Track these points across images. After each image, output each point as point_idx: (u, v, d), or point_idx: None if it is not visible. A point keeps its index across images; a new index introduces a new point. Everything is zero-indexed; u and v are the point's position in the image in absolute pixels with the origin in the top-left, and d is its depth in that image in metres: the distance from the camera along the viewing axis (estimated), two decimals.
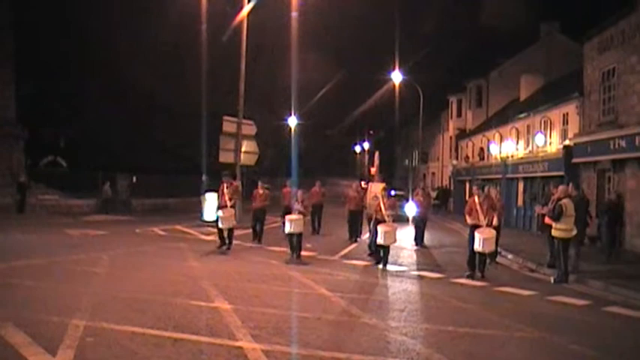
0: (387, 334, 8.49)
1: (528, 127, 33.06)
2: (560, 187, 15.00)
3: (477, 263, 14.31)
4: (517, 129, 34.64)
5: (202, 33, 29.36)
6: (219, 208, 17.89)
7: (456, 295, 11.80)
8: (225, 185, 18.00)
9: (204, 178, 29.67)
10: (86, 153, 48.74)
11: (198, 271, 13.52)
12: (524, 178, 33.39)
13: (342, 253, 18.27)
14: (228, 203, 17.58)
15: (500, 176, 34.37)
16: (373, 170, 74.39)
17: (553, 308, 11.20)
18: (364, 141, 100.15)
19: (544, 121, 30.62)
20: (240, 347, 7.39)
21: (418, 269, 15.74)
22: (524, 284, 13.55)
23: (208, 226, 24.19)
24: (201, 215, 27.31)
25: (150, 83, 47.40)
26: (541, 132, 30.28)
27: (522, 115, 34.01)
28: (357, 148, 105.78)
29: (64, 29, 45.79)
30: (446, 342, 8.22)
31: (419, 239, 21.52)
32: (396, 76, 48.16)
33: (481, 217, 14.25)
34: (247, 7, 26.06)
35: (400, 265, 16.23)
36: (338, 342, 7.95)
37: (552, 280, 14.17)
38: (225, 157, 26.09)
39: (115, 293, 10.39)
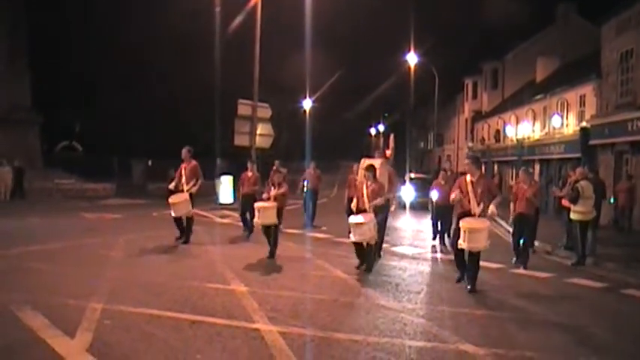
0: (403, 316, 8.47)
1: (545, 108, 32.85)
2: (578, 170, 14.81)
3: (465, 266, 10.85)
4: (533, 111, 34.43)
5: (216, 16, 29.28)
6: (173, 191, 15.23)
7: None
8: (184, 166, 15.32)
9: (218, 161, 29.76)
10: (101, 137, 49.00)
11: (213, 254, 13.55)
12: (541, 160, 33.23)
13: None
14: (185, 187, 15.04)
15: (516, 158, 34.18)
16: (388, 153, 74.10)
17: (570, 291, 11.14)
18: (379, 123, 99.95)
19: (560, 103, 30.40)
20: (257, 329, 7.41)
21: (435, 251, 15.72)
22: (540, 267, 13.46)
23: (224, 209, 24.33)
24: (217, 198, 27.48)
25: (164, 68, 47.47)
26: (558, 114, 30.06)
27: (539, 97, 33.79)
28: (373, 131, 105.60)
29: (79, 14, 45.93)
30: (463, 324, 8.21)
31: (440, 233, 17.12)
32: (412, 59, 47.93)
33: (473, 202, 10.51)
34: None
35: (416, 247, 16.19)
36: (354, 324, 7.95)
37: (570, 263, 14.09)
38: (240, 140, 26.06)
39: (131, 276, 10.44)
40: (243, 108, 26.03)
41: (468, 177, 10.75)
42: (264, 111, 26.92)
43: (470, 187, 10.58)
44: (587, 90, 27.15)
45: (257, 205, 13.50)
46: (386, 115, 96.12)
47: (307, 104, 61.84)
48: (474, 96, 50.52)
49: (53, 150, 46.78)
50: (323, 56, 51.01)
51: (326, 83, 61.83)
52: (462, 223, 10.30)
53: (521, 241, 13.75)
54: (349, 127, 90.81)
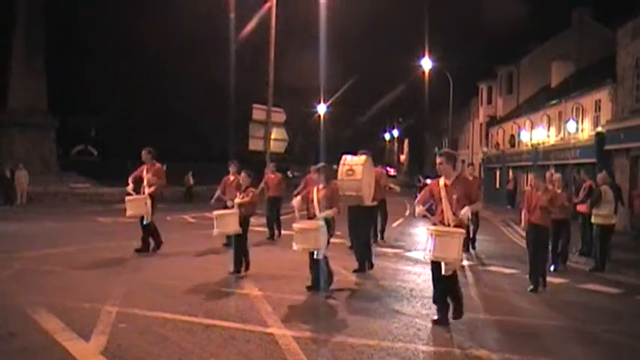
0: (417, 321, 8.45)
1: (560, 113, 32.73)
2: (600, 175, 14.74)
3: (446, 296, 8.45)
4: (548, 116, 34.31)
5: (231, 21, 29.41)
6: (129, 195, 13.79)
7: (487, 283, 11.72)
8: (145, 168, 13.94)
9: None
10: (116, 141, 49.38)
11: (228, 258, 13.55)
12: (556, 166, 33.06)
13: (372, 240, 18.17)
14: (146, 190, 13.72)
15: (531, 163, 34.06)
16: (402, 158, 73.72)
17: (585, 296, 11.09)
18: (393, 128, 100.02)
19: (576, 108, 30.28)
20: (270, 334, 7.41)
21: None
22: (555, 273, 13.38)
23: None
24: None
25: (178, 71, 47.66)
26: (573, 119, 29.94)
27: (554, 102, 33.66)
28: (387, 136, 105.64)
29: (93, 18, 46.22)
30: (476, 329, 8.17)
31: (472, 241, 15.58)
32: (426, 63, 47.93)
33: (447, 212, 8.17)
34: None
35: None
36: (369, 329, 7.93)
37: (588, 269, 13.99)
38: (255, 145, 26.10)
39: (145, 280, 10.48)
40: (258, 112, 26.06)
41: (442, 180, 8.42)
42: (279, 115, 26.95)
43: (443, 193, 8.26)
44: (603, 95, 27.03)
45: (215, 212, 11.70)
46: (400, 120, 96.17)
47: (322, 109, 61.90)
48: (489, 101, 50.27)
49: (69, 154, 47.11)
50: (337, 60, 51.05)
51: (340, 87, 61.90)
52: (430, 227, 8.19)
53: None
54: (363, 131, 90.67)
